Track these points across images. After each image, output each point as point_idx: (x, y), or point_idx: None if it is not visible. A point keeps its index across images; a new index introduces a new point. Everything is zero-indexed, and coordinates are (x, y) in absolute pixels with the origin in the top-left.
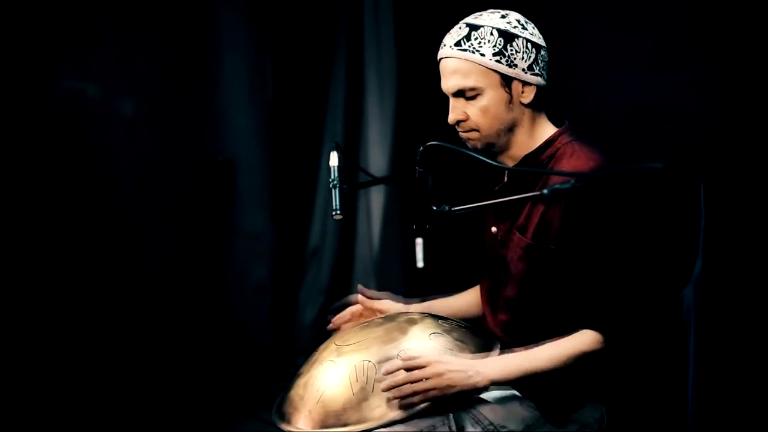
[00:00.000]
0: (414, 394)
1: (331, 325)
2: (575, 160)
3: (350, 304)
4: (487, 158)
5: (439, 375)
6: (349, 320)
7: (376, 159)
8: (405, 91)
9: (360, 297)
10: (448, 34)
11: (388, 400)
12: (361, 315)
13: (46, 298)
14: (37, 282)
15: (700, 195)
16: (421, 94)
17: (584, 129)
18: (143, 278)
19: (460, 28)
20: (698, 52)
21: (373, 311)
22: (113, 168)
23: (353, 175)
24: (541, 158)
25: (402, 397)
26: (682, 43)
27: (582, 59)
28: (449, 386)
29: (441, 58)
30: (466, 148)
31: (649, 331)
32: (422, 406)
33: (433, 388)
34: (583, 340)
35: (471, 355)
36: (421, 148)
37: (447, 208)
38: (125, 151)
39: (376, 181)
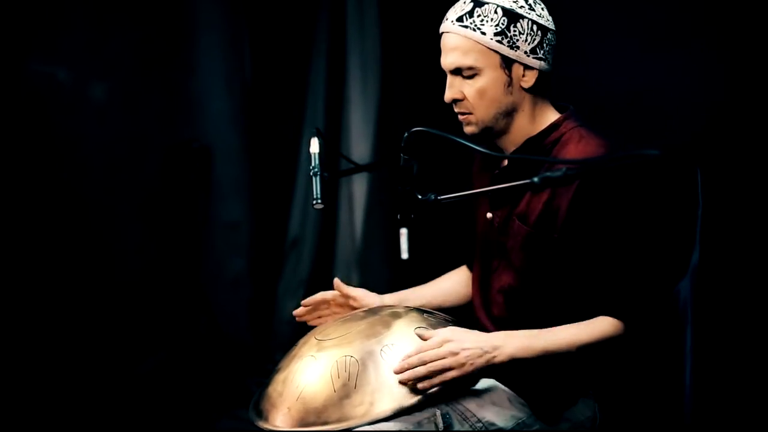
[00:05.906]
0: (431, 375)
1: (299, 310)
2: (583, 146)
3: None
4: (477, 144)
5: (454, 354)
6: (320, 302)
7: (359, 145)
8: (389, 75)
9: (336, 282)
10: (452, 7)
11: (403, 384)
12: (333, 302)
13: (13, 290)
14: (2, 273)
15: (698, 183)
16: (406, 77)
17: (580, 113)
18: (115, 270)
19: (464, 2)
20: (696, 37)
21: (347, 297)
22: (84, 155)
23: (335, 163)
24: (544, 143)
25: (418, 380)
26: (681, 26)
27: (578, 42)
28: (466, 364)
29: (442, 33)
30: (456, 133)
31: (656, 321)
32: (434, 390)
33: (450, 368)
34: (604, 325)
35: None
36: (406, 135)
37: (433, 196)
38: (96, 137)
39: (358, 168)
